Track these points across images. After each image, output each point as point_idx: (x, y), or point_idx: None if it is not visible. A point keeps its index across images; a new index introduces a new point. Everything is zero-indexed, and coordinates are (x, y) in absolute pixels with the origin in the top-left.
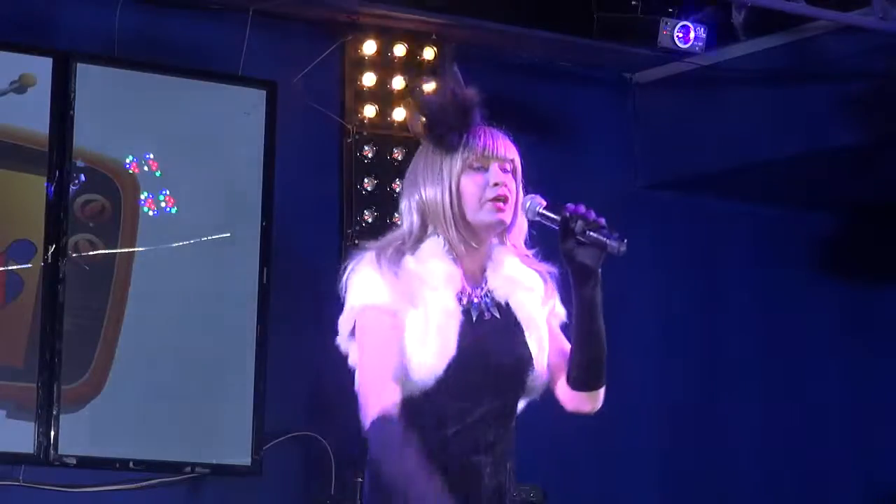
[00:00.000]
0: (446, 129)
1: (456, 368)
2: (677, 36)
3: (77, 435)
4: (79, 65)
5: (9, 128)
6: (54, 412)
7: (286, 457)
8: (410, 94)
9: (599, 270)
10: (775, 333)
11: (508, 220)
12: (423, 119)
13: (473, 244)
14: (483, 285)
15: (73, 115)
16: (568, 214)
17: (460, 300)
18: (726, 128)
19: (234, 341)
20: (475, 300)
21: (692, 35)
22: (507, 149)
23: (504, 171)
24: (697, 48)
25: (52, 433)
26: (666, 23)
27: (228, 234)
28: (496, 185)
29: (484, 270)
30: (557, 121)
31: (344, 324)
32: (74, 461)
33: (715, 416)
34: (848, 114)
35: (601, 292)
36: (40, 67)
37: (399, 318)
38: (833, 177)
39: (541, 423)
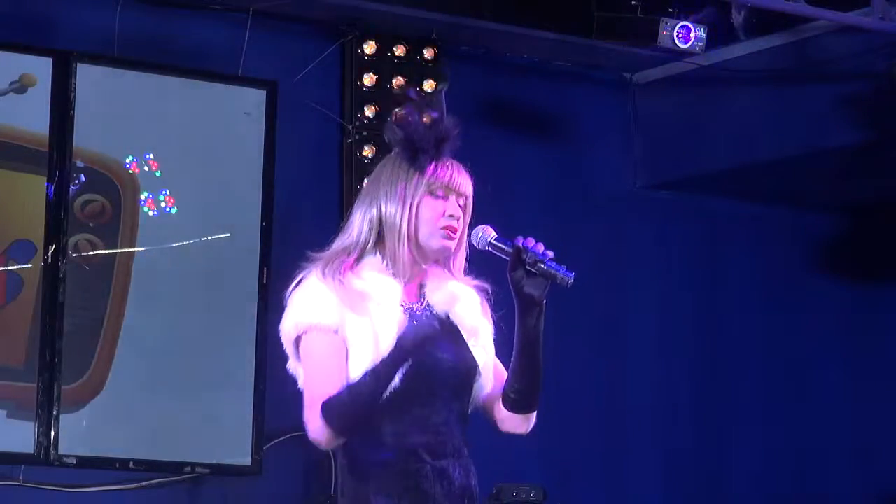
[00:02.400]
0: (421, 151)
1: (411, 375)
2: (677, 36)
3: (77, 435)
4: (79, 65)
5: (9, 128)
6: (54, 412)
7: (286, 457)
8: (406, 98)
9: (545, 302)
10: (775, 333)
11: (454, 249)
12: (402, 134)
13: (419, 263)
14: (422, 299)
15: (73, 115)
16: (521, 246)
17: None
18: (726, 128)
19: (234, 341)
20: (417, 312)
21: (692, 35)
22: (466, 186)
23: (459, 206)
24: (697, 48)
25: (52, 433)
26: (666, 23)
27: (228, 234)
28: (451, 216)
29: (422, 287)
30: (557, 121)
31: (288, 344)
32: (74, 461)
33: (715, 416)
34: (848, 114)
35: (543, 323)
36: (40, 67)
37: (341, 337)
38: (833, 177)
39: (541, 424)
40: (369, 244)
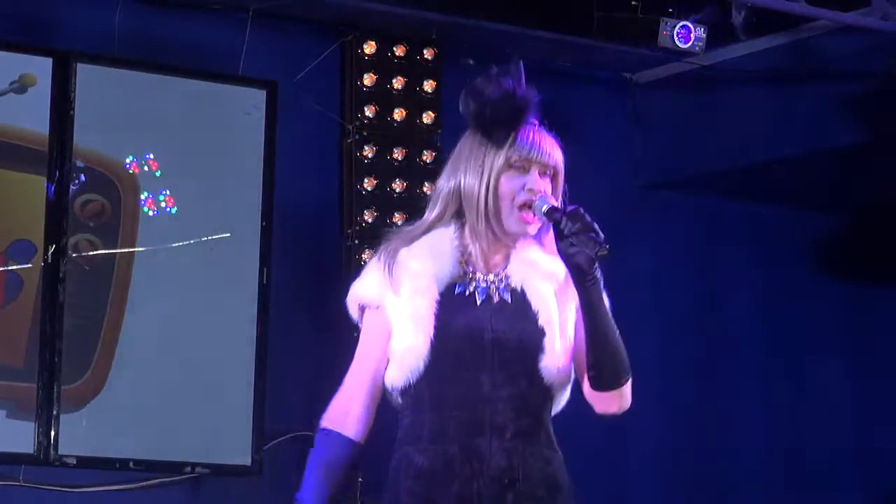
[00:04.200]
0: (495, 124)
1: (445, 350)
2: (677, 36)
3: (77, 435)
4: (79, 65)
5: (9, 128)
6: (54, 412)
7: (286, 457)
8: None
9: (596, 272)
10: (775, 333)
11: (535, 231)
12: (474, 109)
13: (501, 239)
14: (500, 272)
15: (73, 115)
16: (558, 216)
17: (463, 285)
18: (726, 128)
19: (234, 341)
20: (484, 285)
21: (692, 35)
22: (550, 154)
23: (543, 175)
24: (697, 48)
25: (52, 433)
26: (666, 23)
27: (228, 234)
28: (531, 190)
29: (507, 259)
30: (557, 121)
31: (349, 305)
32: (74, 461)
33: (715, 416)
34: (848, 114)
35: (599, 293)
36: (40, 67)
37: (382, 311)
38: (833, 177)
39: None
40: (446, 216)
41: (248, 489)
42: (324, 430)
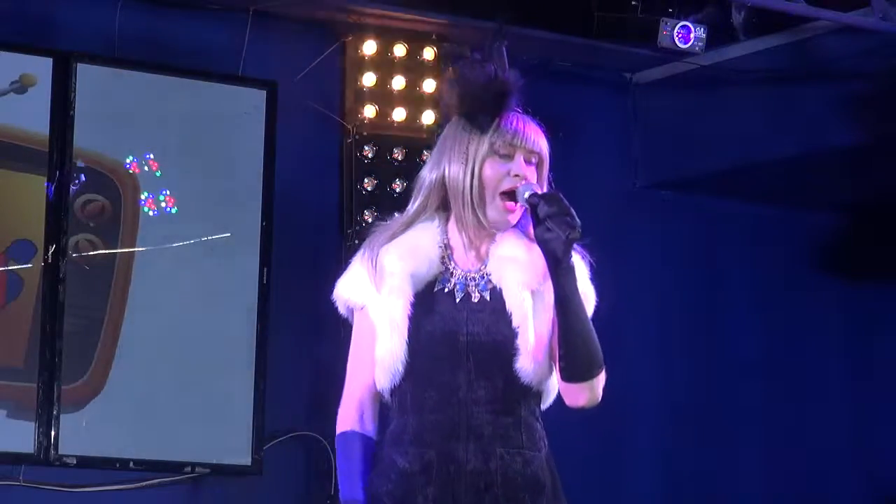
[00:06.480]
0: (479, 110)
1: (422, 352)
2: (677, 36)
3: (77, 435)
4: (79, 65)
5: (9, 128)
6: (54, 412)
7: (286, 457)
8: (454, 65)
9: (570, 261)
10: (775, 333)
11: (515, 220)
12: (457, 94)
13: (486, 227)
14: (482, 267)
15: (73, 115)
16: (535, 200)
17: (443, 282)
18: (726, 128)
19: (234, 341)
20: (463, 282)
21: (692, 35)
22: (535, 140)
23: (528, 163)
24: (697, 48)
25: (52, 433)
26: (666, 23)
27: (228, 234)
28: (516, 176)
29: (489, 253)
30: (557, 121)
31: (336, 302)
32: (74, 461)
33: (715, 416)
34: (848, 114)
35: (573, 282)
36: (40, 67)
37: (367, 312)
38: (833, 177)
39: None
40: (429, 208)
41: (248, 489)
42: (343, 434)
